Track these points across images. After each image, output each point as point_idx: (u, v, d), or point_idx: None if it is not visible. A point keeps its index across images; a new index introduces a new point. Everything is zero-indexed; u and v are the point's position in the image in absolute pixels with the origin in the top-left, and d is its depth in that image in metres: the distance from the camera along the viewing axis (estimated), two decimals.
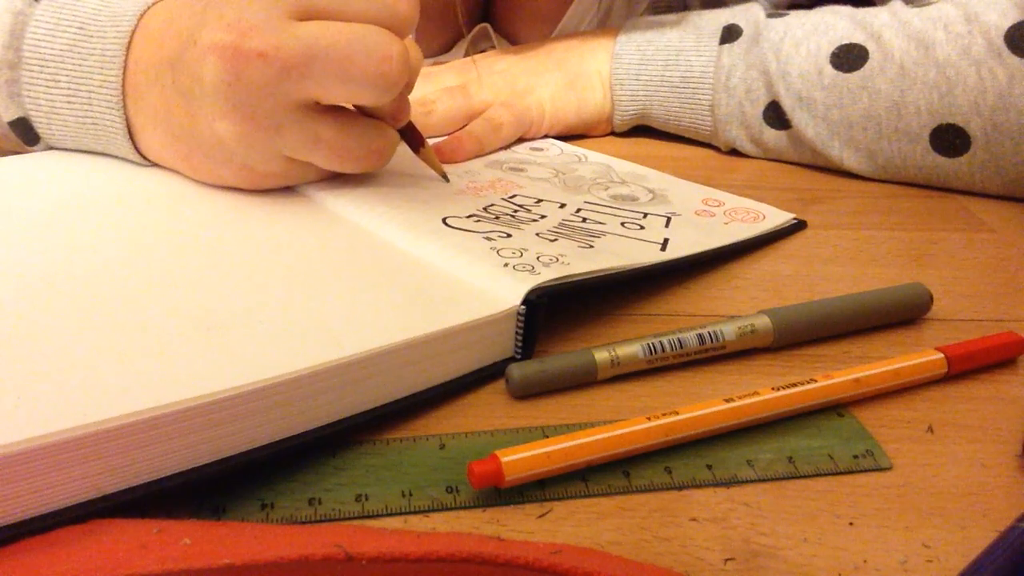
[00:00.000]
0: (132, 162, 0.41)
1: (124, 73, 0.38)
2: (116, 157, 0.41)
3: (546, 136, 0.54)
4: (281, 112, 0.34)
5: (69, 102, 0.39)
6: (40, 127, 0.41)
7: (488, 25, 0.65)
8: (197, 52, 0.34)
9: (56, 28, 0.39)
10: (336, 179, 0.39)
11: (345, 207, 0.37)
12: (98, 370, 0.24)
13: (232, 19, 0.33)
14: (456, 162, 0.48)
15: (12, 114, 0.40)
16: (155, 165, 0.41)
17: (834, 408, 0.29)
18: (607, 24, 0.62)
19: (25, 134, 0.41)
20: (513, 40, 0.66)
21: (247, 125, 0.35)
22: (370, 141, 0.37)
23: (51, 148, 0.42)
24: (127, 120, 0.39)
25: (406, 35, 0.36)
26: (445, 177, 0.43)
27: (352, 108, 0.38)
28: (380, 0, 0.35)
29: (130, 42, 0.38)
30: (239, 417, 0.23)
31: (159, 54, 0.37)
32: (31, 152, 0.42)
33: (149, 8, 0.38)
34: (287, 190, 0.39)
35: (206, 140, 0.36)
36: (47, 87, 0.39)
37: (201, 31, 0.34)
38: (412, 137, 0.41)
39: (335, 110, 0.36)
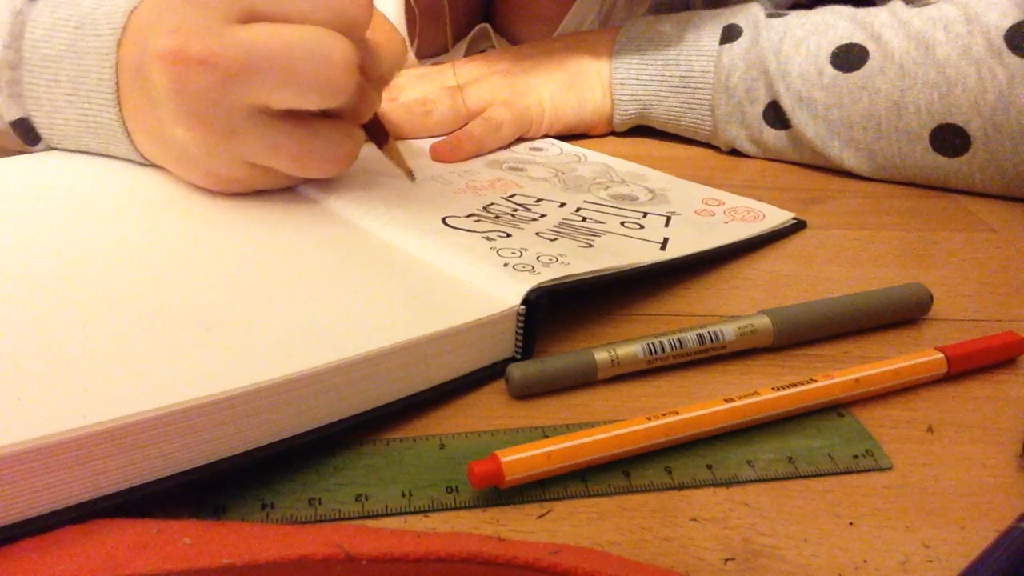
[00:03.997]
0: (132, 162, 0.41)
1: (117, 71, 0.38)
2: (116, 158, 0.41)
3: (545, 136, 0.54)
4: (234, 118, 0.34)
5: (70, 101, 0.39)
6: (41, 127, 0.41)
7: (488, 25, 0.65)
8: (149, 58, 0.34)
9: (54, 27, 0.39)
10: (336, 179, 0.39)
11: (345, 207, 0.37)
12: (99, 370, 0.24)
13: (174, 25, 0.33)
14: (455, 162, 0.48)
15: (13, 114, 0.40)
16: (154, 165, 0.41)
17: (834, 408, 0.29)
18: (608, 25, 0.62)
19: (26, 134, 0.41)
20: (513, 40, 0.66)
21: (202, 132, 0.34)
22: (334, 146, 0.36)
23: (52, 149, 0.42)
24: (123, 119, 0.39)
25: (359, 36, 0.34)
26: (411, 175, 0.42)
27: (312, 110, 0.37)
28: (326, 1, 0.33)
29: (121, 39, 0.38)
30: (239, 417, 0.23)
31: (133, 56, 0.37)
32: (32, 153, 0.42)
33: (139, 5, 0.38)
34: (287, 191, 0.39)
35: (171, 144, 0.36)
36: (48, 87, 0.39)
37: (152, 36, 0.34)
38: (376, 132, 0.40)
39: (293, 114, 0.35)
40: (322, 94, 0.33)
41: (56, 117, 0.40)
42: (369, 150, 0.40)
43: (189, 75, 0.32)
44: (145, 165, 0.41)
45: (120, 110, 0.38)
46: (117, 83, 0.38)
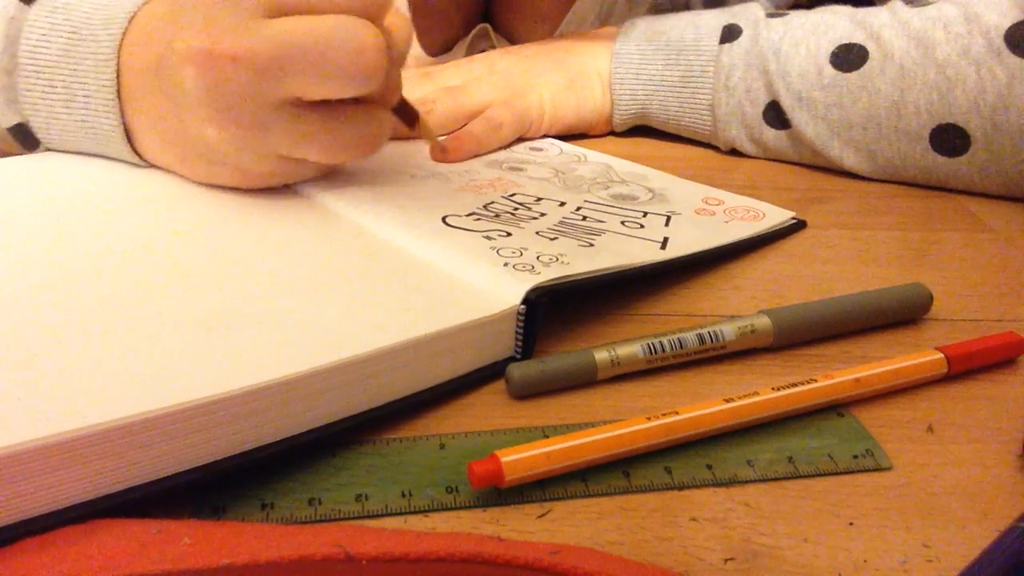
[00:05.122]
0: (131, 164, 0.41)
1: (119, 76, 0.38)
2: (115, 159, 0.41)
3: (545, 136, 0.54)
4: (265, 112, 0.34)
5: (67, 106, 0.39)
6: (39, 132, 0.40)
7: (488, 25, 0.65)
8: (175, 59, 0.34)
9: (50, 33, 0.38)
10: (336, 178, 0.39)
11: (345, 206, 0.37)
12: (99, 370, 0.24)
13: (202, 24, 0.33)
14: (455, 161, 0.48)
15: (10, 120, 0.40)
16: (154, 166, 0.41)
17: (834, 408, 0.29)
18: (608, 25, 0.62)
19: (24, 140, 0.41)
20: (513, 40, 0.66)
21: (233, 129, 0.34)
22: (361, 129, 0.36)
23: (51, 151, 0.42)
24: (125, 123, 0.39)
25: (381, 20, 0.35)
26: (443, 149, 0.44)
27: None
28: None
29: (121, 44, 0.37)
30: (239, 417, 0.23)
31: (145, 59, 0.37)
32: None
33: (139, 11, 0.38)
34: (287, 190, 0.39)
35: (197, 144, 0.36)
36: (44, 92, 0.39)
37: (176, 37, 0.34)
38: (406, 113, 0.41)
39: (321, 103, 0.35)
40: (357, 82, 0.33)
41: (53, 122, 0.40)
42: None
43: (222, 73, 0.32)
44: (144, 166, 0.41)
45: (122, 115, 0.38)
46: (119, 88, 0.38)
